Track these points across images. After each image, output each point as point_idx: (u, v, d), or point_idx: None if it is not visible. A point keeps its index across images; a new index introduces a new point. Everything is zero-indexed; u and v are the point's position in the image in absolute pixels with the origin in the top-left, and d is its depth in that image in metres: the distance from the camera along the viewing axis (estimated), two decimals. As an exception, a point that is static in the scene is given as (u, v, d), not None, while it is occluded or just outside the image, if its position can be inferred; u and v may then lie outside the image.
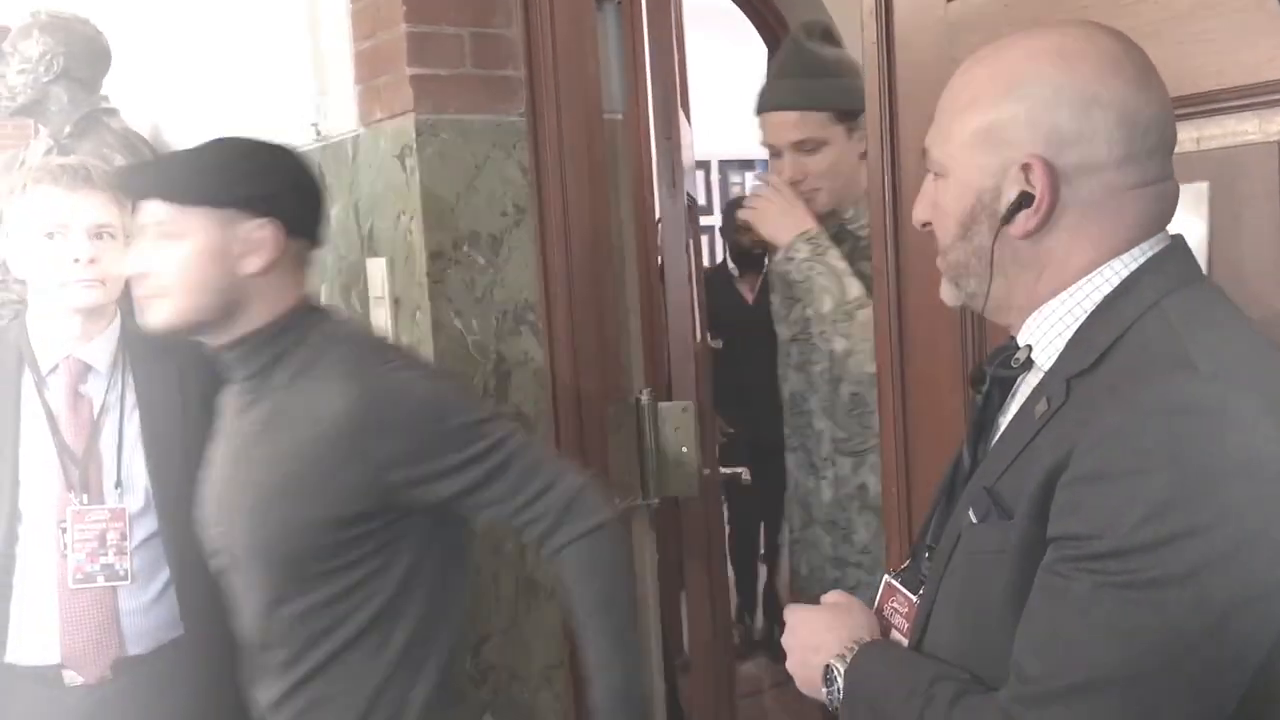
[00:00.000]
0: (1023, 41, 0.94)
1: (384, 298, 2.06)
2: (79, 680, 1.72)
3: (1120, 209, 0.91)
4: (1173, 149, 0.94)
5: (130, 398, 1.79)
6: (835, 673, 1.00)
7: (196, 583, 1.77)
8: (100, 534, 1.73)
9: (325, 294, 2.30)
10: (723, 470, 2.52)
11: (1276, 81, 1.07)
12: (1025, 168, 0.91)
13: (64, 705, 1.72)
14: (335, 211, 2.22)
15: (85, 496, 1.73)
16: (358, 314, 2.18)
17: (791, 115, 2.03)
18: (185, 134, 2.99)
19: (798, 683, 1.08)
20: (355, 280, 2.17)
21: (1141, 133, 0.90)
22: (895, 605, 1.06)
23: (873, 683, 0.97)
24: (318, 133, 2.26)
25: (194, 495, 1.74)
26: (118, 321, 1.82)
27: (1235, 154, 1.12)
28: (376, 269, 2.07)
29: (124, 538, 1.74)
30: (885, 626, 1.06)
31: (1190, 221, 1.12)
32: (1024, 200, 0.92)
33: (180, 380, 1.81)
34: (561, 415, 2.04)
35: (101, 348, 1.79)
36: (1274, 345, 0.91)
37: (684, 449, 2.17)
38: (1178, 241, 0.95)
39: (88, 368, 1.78)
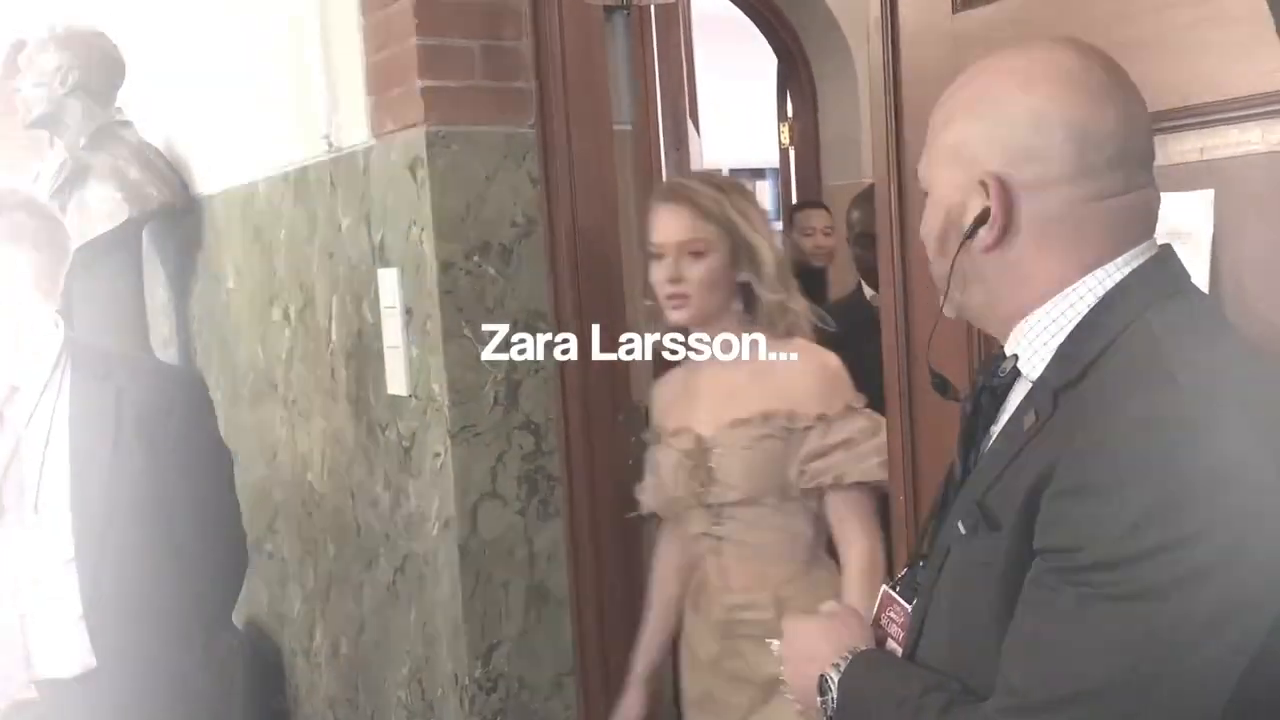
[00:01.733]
0: (992, 63, 0.98)
1: (395, 307, 2.07)
2: None
3: (1082, 221, 0.93)
4: (1144, 160, 0.94)
5: (60, 419, 1.73)
6: (829, 682, 1.01)
7: (109, 613, 1.72)
8: (13, 557, 1.69)
9: (336, 304, 2.32)
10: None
11: (1278, 93, 1.07)
12: (983, 184, 0.94)
13: None
14: (347, 223, 2.24)
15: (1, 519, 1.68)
16: (369, 324, 2.19)
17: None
18: (198, 146, 3.02)
19: (793, 693, 1.09)
20: (367, 290, 2.18)
21: (1094, 147, 0.91)
22: (892, 615, 1.07)
23: (865, 692, 0.99)
24: (330, 144, 2.27)
25: (116, 522, 1.69)
26: (58, 340, 1.77)
27: (1239, 164, 1.12)
28: (388, 279, 2.08)
29: (38, 563, 1.69)
30: (882, 636, 1.07)
31: (1195, 230, 1.13)
32: (985, 216, 0.94)
33: (116, 404, 1.75)
34: (571, 424, 2.05)
35: (33, 368, 1.74)
36: (1259, 355, 0.92)
37: (693, 457, 2.17)
38: (1165, 251, 0.95)
39: (14, 389, 1.74)
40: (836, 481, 1.78)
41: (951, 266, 0.97)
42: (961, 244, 0.96)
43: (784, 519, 1.82)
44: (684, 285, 1.83)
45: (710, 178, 1.99)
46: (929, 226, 1.01)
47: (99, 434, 1.74)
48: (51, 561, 1.70)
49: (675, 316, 1.86)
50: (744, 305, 1.87)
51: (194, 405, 1.87)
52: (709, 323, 1.86)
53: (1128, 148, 0.92)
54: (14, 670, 1.70)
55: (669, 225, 1.84)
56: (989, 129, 0.94)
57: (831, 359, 1.85)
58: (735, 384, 1.84)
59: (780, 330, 1.85)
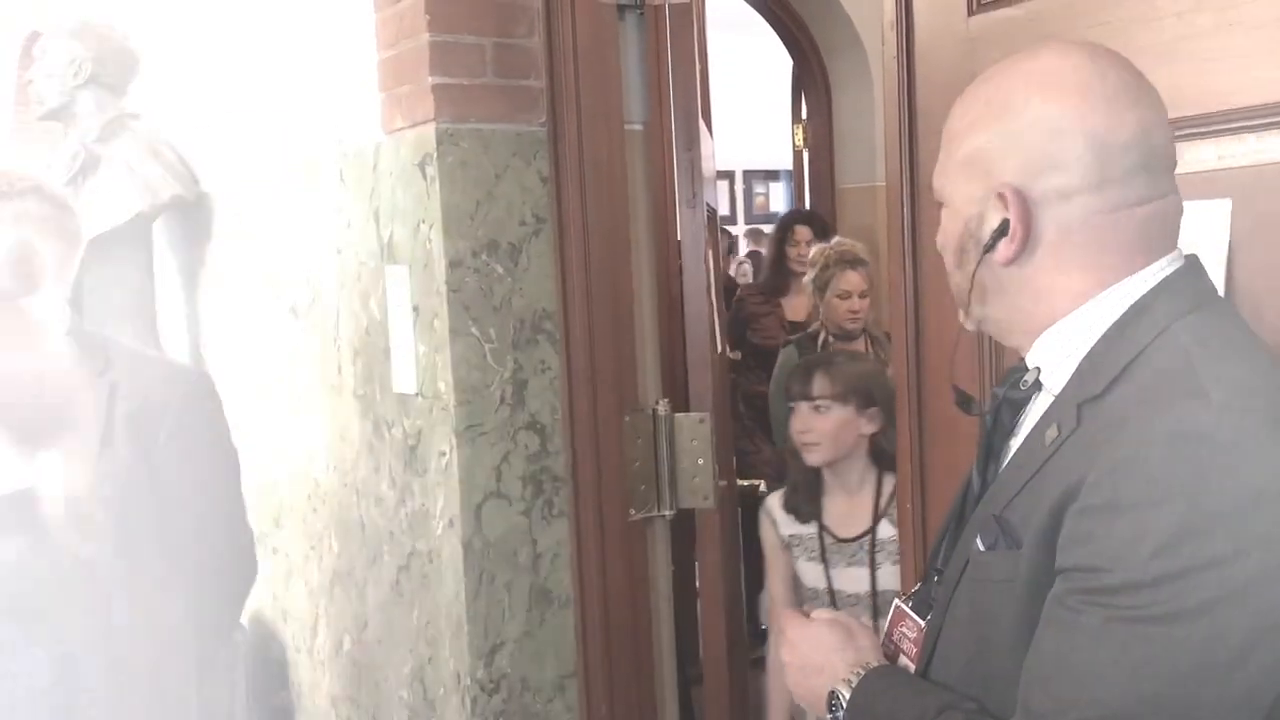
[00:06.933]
0: (1005, 69, 0.95)
1: (403, 305, 2.06)
2: None
3: (1103, 233, 0.90)
4: (1168, 167, 0.92)
5: None
6: (840, 698, 0.99)
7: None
8: None
9: (344, 301, 2.31)
10: (740, 482, 2.51)
11: (1300, 100, 1.06)
12: (1000, 196, 0.91)
13: None
14: (355, 219, 2.23)
15: None
16: (376, 321, 2.18)
17: None
18: (209, 140, 3.02)
19: (796, 698, 1.07)
20: (374, 287, 2.17)
21: (1119, 154, 0.89)
22: (905, 630, 1.05)
23: (878, 710, 0.96)
24: (339, 140, 2.27)
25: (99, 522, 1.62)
26: (61, 330, 1.69)
27: (1257, 172, 1.10)
28: (396, 276, 2.08)
29: None
30: (894, 652, 1.05)
31: (1212, 239, 1.11)
32: (1004, 228, 0.92)
33: (109, 398, 1.70)
34: (578, 425, 2.04)
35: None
36: None
37: (700, 460, 2.16)
38: (1192, 262, 0.93)
39: None
40: None
41: (972, 280, 0.95)
42: (981, 257, 0.93)
43: None
44: None
45: None
46: (946, 237, 0.98)
47: (87, 429, 1.68)
48: None
49: None
50: None
51: (194, 405, 1.80)
52: None
53: (1148, 156, 0.90)
54: None
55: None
56: (1005, 139, 0.91)
57: None
58: None
59: None
